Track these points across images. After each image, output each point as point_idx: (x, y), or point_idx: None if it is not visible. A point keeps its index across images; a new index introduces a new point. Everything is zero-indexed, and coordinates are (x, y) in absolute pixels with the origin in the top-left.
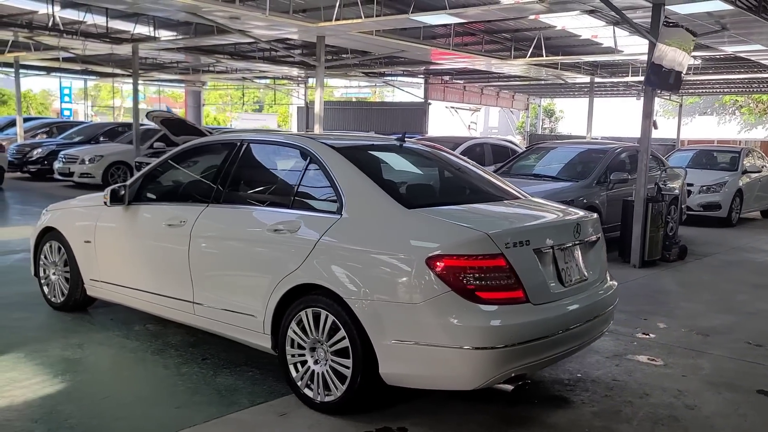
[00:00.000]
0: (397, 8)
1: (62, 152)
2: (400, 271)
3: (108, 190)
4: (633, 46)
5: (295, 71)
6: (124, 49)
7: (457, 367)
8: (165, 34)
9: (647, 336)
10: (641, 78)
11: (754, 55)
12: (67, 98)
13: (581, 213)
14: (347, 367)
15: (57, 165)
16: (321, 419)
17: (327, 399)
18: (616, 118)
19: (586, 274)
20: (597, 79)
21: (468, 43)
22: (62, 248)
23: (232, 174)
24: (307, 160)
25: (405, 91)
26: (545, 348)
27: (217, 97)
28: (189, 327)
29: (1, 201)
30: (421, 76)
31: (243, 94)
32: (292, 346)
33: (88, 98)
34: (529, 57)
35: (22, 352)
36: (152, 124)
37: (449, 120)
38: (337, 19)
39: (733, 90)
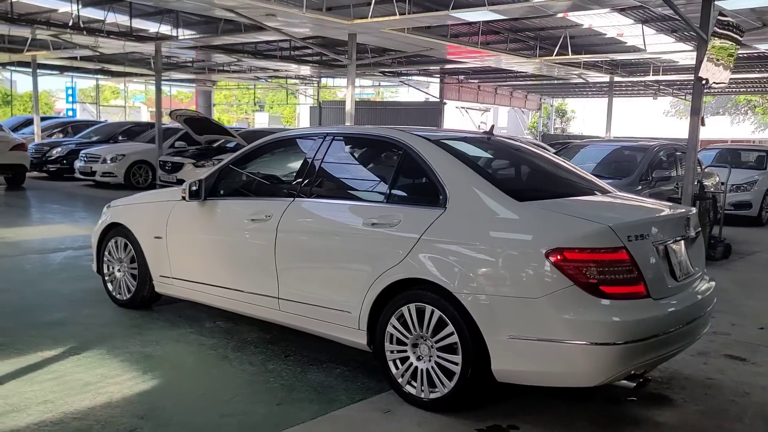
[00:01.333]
0: (425, 6)
1: (83, 151)
2: (517, 265)
3: (186, 185)
4: (657, 45)
5: (308, 70)
6: (147, 48)
7: (577, 363)
8: (186, 33)
9: (726, 335)
10: (664, 77)
11: None
12: (71, 98)
13: (686, 207)
14: (455, 364)
15: (78, 164)
16: (428, 417)
17: (432, 396)
18: (627, 118)
19: (692, 269)
20: (616, 79)
21: (491, 42)
22: (129, 245)
23: (319, 168)
24: (401, 153)
25: (422, 91)
26: (663, 344)
27: (222, 98)
28: (262, 323)
29: (27, 200)
30: (437, 75)
31: (255, 94)
32: (392, 342)
33: (98, 98)
34: (555, 55)
35: (102, 348)
36: (173, 123)
37: (460, 120)
38: (373, 17)
39: (749, 90)
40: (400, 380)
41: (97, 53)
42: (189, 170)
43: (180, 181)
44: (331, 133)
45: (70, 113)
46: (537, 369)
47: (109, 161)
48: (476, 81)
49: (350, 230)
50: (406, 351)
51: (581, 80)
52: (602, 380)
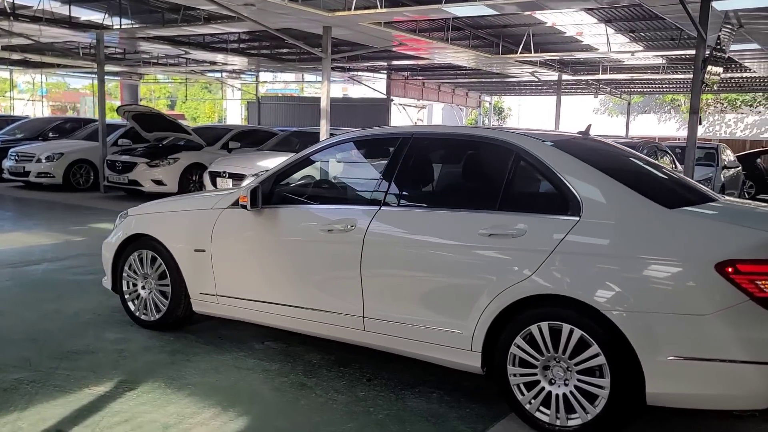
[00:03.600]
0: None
1: (13, 149)
2: (678, 279)
3: (247, 192)
4: (613, 45)
5: (245, 63)
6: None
7: (752, 384)
8: (125, 23)
9: None
10: (612, 76)
11: (746, 54)
12: None
13: None
14: (600, 387)
15: (7, 164)
16: None
17: (572, 423)
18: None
19: None
20: (564, 77)
21: (453, 39)
22: (158, 258)
23: (408, 172)
24: (512, 156)
25: (371, 87)
26: None
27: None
28: (314, 342)
29: None
30: (384, 71)
31: (186, 88)
32: (515, 365)
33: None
34: (520, 53)
35: (157, 380)
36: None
37: (398, 117)
38: (356, 9)
39: (676, 90)
40: (527, 406)
41: (36, 41)
42: (143, 170)
43: (133, 182)
44: (418, 134)
45: None
46: (701, 391)
47: (44, 160)
48: (421, 78)
49: (460, 242)
50: (535, 374)
51: (527, 78)
52: None
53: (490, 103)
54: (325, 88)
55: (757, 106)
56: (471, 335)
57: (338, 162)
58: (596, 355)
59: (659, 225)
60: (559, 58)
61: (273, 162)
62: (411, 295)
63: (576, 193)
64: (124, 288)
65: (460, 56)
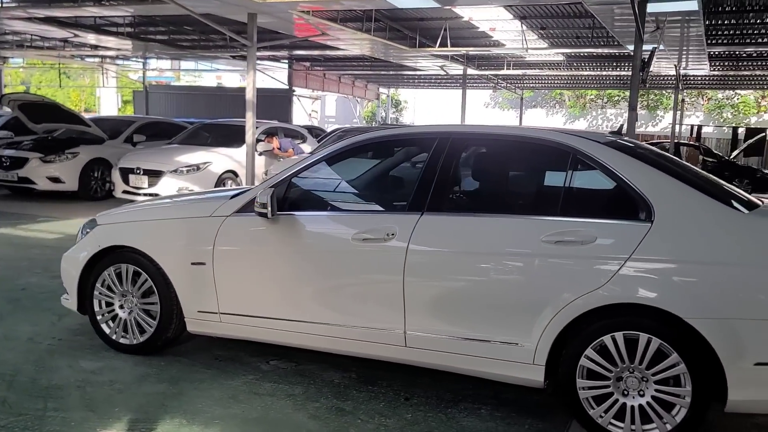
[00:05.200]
0: None
1: None
2: (763, 284)
3: (267, 197)
4: (515, 41)
5: (128, 48)
6: None
7: None
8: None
9: None
10: (515, 71)
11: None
12: None
13: None
14: (679, 396)
15: None
16: None
17: None
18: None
19: None
20: (469, 71)
21: (369, 29)
22: (143, 273)
23: (450, 176)
24: (569, 158)
25: (271, 76)
26: None
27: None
28: (330, 359)
29: None
30: (285, 60)
31: (60, 75)
32: (584, 377)
33: None
34: (438, 47)
35: (175, 416)
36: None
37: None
38: None
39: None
40: (599, 420)
41: None
42: (36, 166)
43: (24, 180)
44: (458, 134)
45: None
46: None
47: None
48: (321, 69)
49: (521, 249)
50: (608, 386)
51: (434, 72)
52: None
53: (388, 96)
54: (251, 78)
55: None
56: (534, 348)
57: (364, 164)
58: (676, 364)
59: (739, 229)
60: (466, 53)
61: (193, 157)
62: (462, 308)
63: (645, 197)
64: (96, 308)
65: (379, 48)
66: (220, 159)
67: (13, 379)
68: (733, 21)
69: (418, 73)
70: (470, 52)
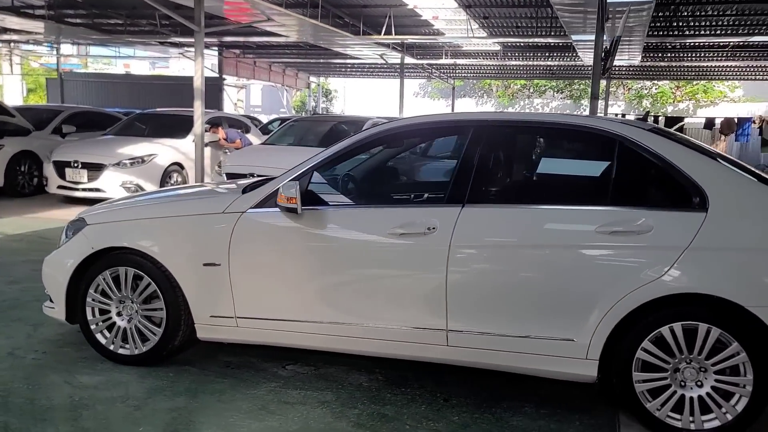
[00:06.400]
0: None
1: None
2: None
3: (293, 190)
4: (455, 30)
5: (39, 33)
6: None
7: None
8: None
9: None
10: (452, 61)
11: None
12: None
13: None
14: (739, 386)
15: None
16: None
17: (708, 426)
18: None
19: None
20: (407, 60)
21: (313, 17)
22: (145, 277)
23: (492, 166)
24: (617, 146)
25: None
26: None
27: None
28: (349, 361)
29: None
30: (215, 48)
31: None
32: (640, 370)
33: None
34: (384, 35)
35: None
36: None
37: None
38: None
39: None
40: (657, 414)
41: None
42: None
43: None
44: (493, 122)
45: None
46: None
47: None
48: (252, 56)
49: (575, 241)
50: (665, 378)
51: (370, 60)
52: None
53: (318, 85)
54: (199, 65)
55: (563, 92)
56: (587, 342)
57: (392, 154)
58: (737, 353)
59: None
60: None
61: (137, 149)
62: (510, 304)
63: (699, 185)
64: (89, 317)
65: (322, 35)
66: (165, 151)
67: (6, 399)
68: (667, 13)
69: (350, 61)
70: (410, 41)
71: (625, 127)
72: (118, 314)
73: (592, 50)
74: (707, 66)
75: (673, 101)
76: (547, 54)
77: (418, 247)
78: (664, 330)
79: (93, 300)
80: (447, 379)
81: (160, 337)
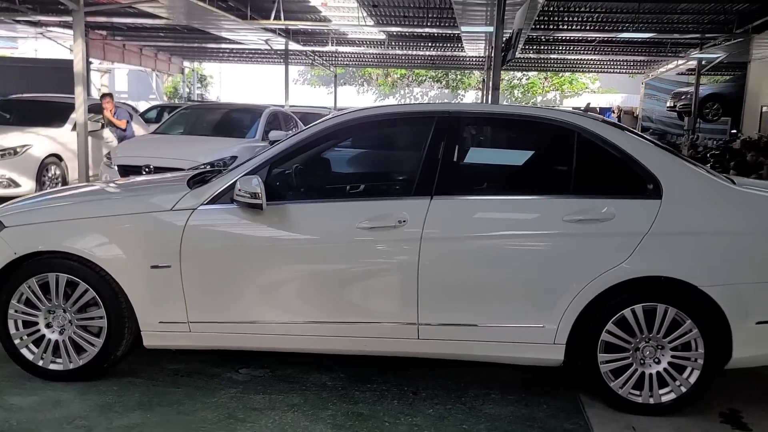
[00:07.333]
0: None
1: None
2: (763, 250)
3: (254, 184)
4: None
5: None
6: None
7: None
8: None
9: None
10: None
11: (474, 36)
12: None
13: None
14: (691, 360)
15: None
16: (674, 419)
17: (666, 399)
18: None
19: None
20: (292, 46)
21: None
22: (81, 283)
23: (456, 157)
24: (575, 137)
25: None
26: None
27: None
28: (307, 360)
29: None
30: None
31: None
32: (604, 351)
33: None
34: (273, 20)
35: None
36: None
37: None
38: None
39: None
40: (620, 391)
41: None
42: None
43: None
44: (457, 113)
45: None
46: None
47: None
48: (121, 39)
49: (544, 230)
50: (627, 358)
51: (252, 46)
52: None
53: (193, 70)
54: (79, 47)
55: (440, 81)
56: (555, 328)
57: (353, 146)
58: (690, 330)
59: (735, 200)
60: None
61: (7, 139)
62: (481, 294)
63: (653, 173)
64: (12, 330)
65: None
66: (40, 141)
67: None
68: (546, 8)
69: (228, 46)
70: (297, 27)
71: (581, 119)
72: (48, 326)
73: (480, 42)
74: (574, 59)
75: (542, 92)
76: (429, 44)
77: (390, 241)
78: (627, 312)
79: (16, 312)
80: (410, 373)
81: (101, 348)
